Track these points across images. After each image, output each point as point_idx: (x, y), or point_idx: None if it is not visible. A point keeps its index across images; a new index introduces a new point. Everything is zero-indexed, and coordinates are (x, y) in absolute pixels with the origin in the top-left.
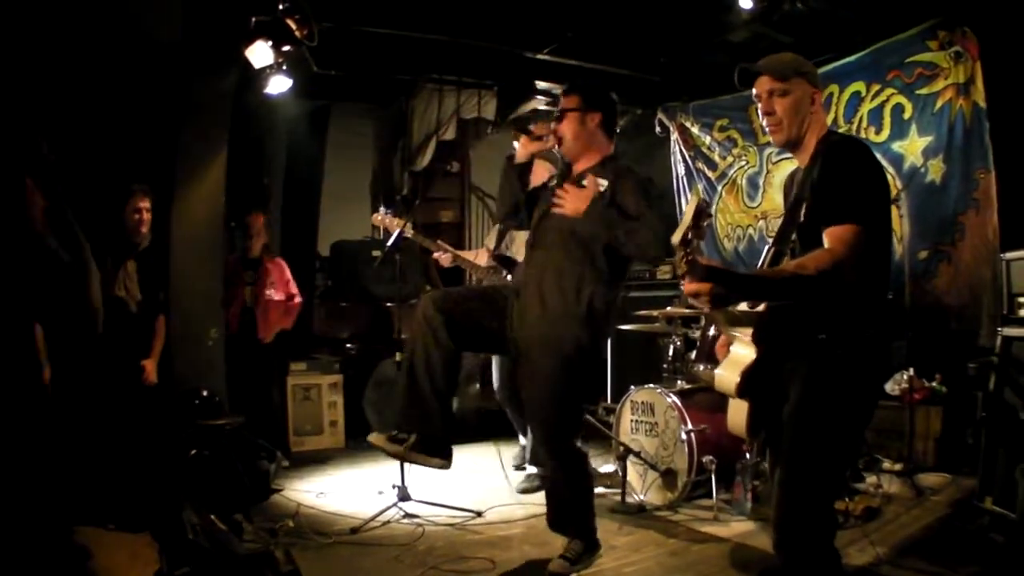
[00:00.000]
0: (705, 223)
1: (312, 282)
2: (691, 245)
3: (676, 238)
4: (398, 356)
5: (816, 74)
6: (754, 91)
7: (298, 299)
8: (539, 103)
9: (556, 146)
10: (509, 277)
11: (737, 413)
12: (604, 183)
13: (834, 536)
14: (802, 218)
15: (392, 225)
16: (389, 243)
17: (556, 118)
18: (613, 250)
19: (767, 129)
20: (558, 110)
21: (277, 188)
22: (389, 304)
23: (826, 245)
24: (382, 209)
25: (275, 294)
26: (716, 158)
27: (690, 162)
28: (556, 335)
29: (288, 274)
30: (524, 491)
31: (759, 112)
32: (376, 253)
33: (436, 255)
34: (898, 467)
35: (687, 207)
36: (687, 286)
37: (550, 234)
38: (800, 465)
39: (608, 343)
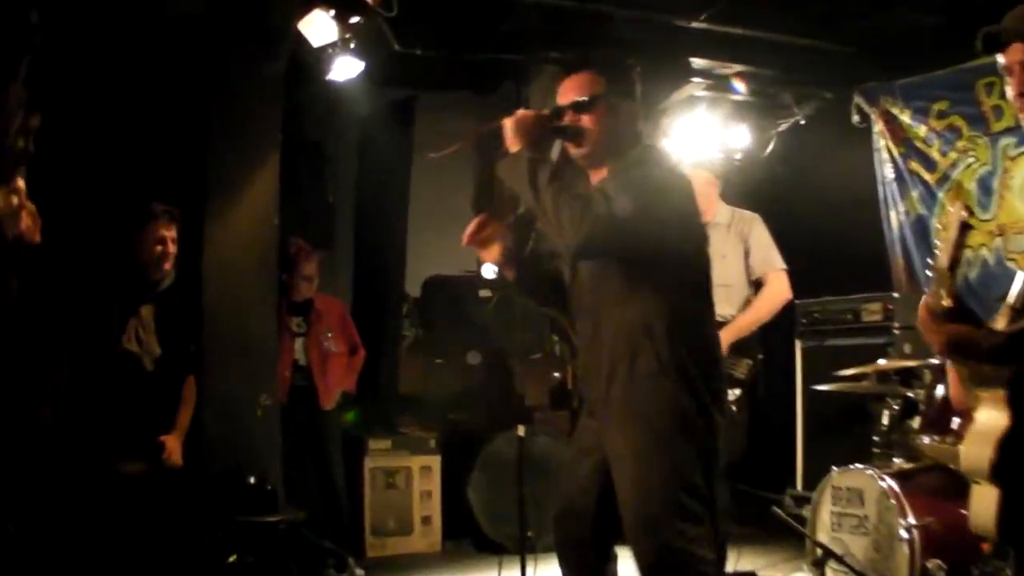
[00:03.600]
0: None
1: (398, 332)
2: (956, 270)
3: (943, 261)
4: (520, 430)
5: None
6: (1001, 60)
7: (363, 351)
8: (696, 87)
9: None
10: None
11: (983, 502)
12: None
13: None
14: None
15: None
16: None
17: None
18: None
19: None
20: (578, 100)
21: (346, 208)
22: (504, 360)
23: None
24: None
25: (334, 345)
26: (934, 155)
27: (900, 162)
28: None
29: (348, 319)
30: None
31: (1011, 89)
32: (486, 293)
33: None
34: None
35: (949, 218)
36: (927, 331)
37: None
38: None
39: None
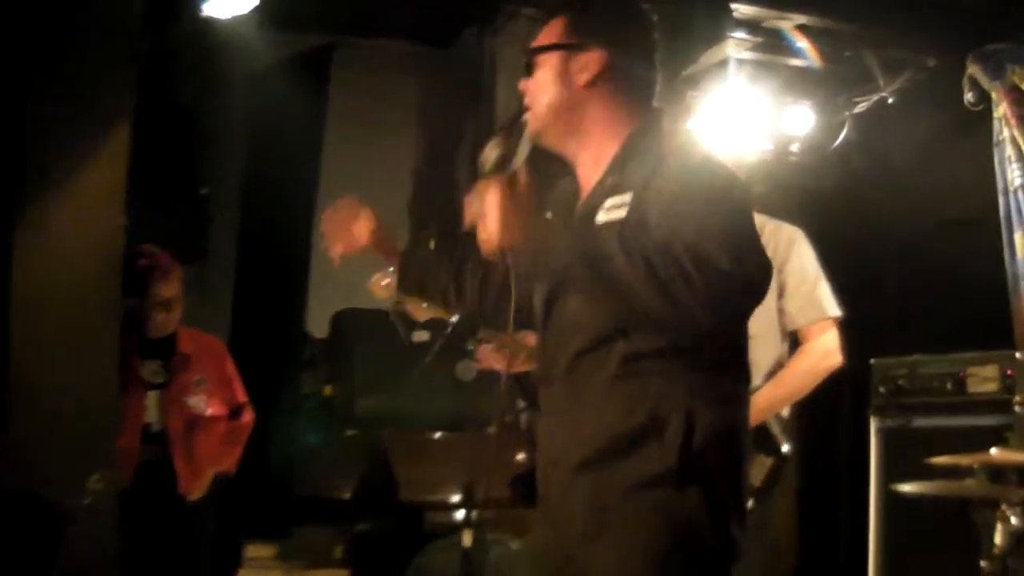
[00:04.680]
0: None
1: (296, 389)
2: None
3: None
4: (465, 538)
5: None
6: None
7: (250, 413)
8: (737, 47)
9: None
10: None
11: None
12: (621, 204)
13: None
14: None
15: (418, 308)
16: (453, 321)
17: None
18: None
19: None
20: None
21: (228, 204)
22: (442, 435)
23: None
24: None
25: (207, 404)
26: None
27: None
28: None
29: (230, 367)
30: None
31: None
32: (422, 336)
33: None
34: None
35: None
36: None
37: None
38: None
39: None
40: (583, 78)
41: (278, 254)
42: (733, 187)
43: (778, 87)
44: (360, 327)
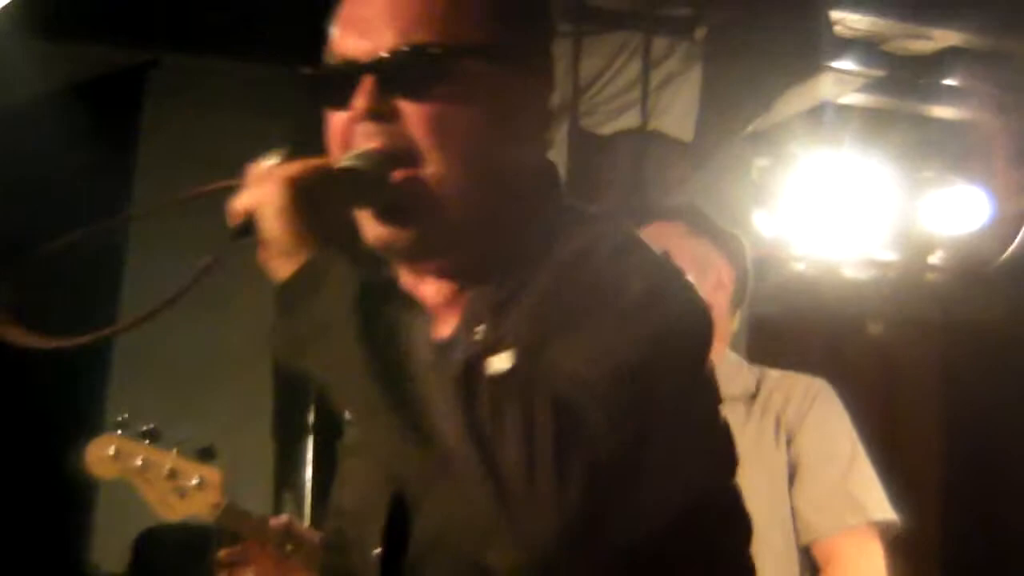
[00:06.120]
0: None
1: None
2: None
3: None
4: None
5: None
6: None
7: None
8: (845, 87)
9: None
10: None
11: None
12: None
13: None
14: None
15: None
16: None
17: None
18: None
19: None
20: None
21: None
22: None
23: None
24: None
25: None
26: None
27: None
28: None
29: None
30: None
31: None
32: None
33: None
34: None
35: None
36: None
37: None
38: None
39: None
40: (534, 120)
41: (44, 430)
42: (681, 310)
43: (911, 154)
44: (177, 556)
